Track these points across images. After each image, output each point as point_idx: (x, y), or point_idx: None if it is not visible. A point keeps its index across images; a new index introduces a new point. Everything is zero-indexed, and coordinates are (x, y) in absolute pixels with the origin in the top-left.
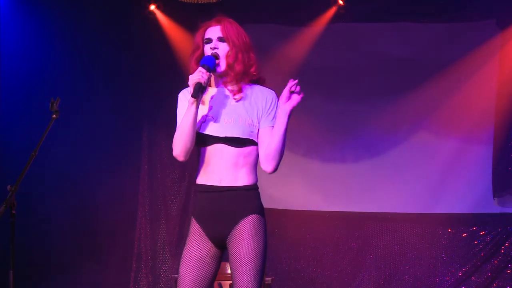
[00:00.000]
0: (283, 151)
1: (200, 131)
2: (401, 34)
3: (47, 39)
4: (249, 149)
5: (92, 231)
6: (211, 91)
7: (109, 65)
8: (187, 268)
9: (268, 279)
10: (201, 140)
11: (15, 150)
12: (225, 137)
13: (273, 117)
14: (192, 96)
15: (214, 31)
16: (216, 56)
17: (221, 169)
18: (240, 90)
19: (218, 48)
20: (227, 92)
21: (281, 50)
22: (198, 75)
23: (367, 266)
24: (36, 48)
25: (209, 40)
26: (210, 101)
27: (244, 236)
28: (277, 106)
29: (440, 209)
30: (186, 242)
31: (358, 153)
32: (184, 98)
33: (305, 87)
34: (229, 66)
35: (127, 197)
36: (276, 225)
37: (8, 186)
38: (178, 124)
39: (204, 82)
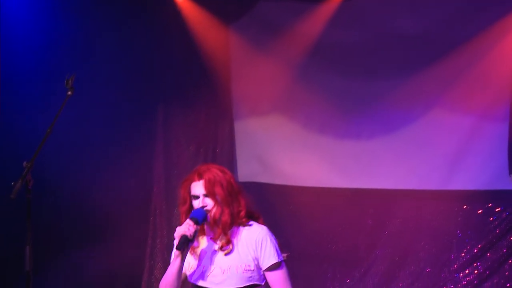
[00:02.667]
0: None
1: (199, 284)
2: (418, 10)
3: (61, 13)
4: None
5: (108, 208)
6: (203, 243)
7: (124, 42)
8: None
9: (283, 255)
10: None
11: (31, 127)
12: None
13: (266, 259)
14: (177, 248)
15: (198, 187)
16: (208, 211)
17: None
18: (228, 242)
19: (207, 205)
20: (217, 247)
21: (297, 27)
22: (184, 228)
23: (382, 243)
24: (50, 22)
25: (196, 197)
26: (202, 253)
27: None
28: (269, 243)
29: (456, 185)
30: None
31: (373, 130)
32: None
33: (320, 64)
34: (214, 221)
35: (143, 174)
36: (290, 202)
37: (24, 163)
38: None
39: (190, 235)
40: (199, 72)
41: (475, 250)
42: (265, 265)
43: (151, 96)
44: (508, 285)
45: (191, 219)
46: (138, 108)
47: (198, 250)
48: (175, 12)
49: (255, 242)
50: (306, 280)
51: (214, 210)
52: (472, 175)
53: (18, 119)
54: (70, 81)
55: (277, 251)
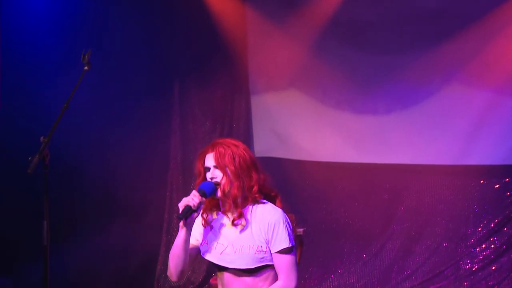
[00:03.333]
0: None
1: (211, 260)
2: None
3: None
4: (265, 274)
5: (125, 183)
6: (217, 218)
7: (141, 17)
8: None
9: (299, 230)
10: (215, 266)
11: (48, 102)
12: (234, 268)
13: (277, 243)
14: (178, 217)
15: (209, 159)
16: (217, 184)
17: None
18: (240, 216)
19: (216, 177)
20: (227, 220)
21: (313, 2)
22: (189, 198)
23: (398, 217)
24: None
25: (208, 169)
26: (215, 229)
27: None
28: (282, 227)
29: (473, 160)
30: None
31: (389, 104)
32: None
33: (337, 39)
34: (224, 193)
35: (159, 149)
36: (307, 177)
37: (41, 138)
38: None
39: (194, 206)
40: (216, 47)
41: (492, 225)
42: (275, 248)
43: (167, 72)
44: None
45: (198, 190)
46: (155, 84)
47: (212, 225)
48: None
49: (267, 225)
50: (323, 255)
51: (223, 183)
52: (489, 150)
53: (36, 95)
54: (86, 57)
55: (289, 235)
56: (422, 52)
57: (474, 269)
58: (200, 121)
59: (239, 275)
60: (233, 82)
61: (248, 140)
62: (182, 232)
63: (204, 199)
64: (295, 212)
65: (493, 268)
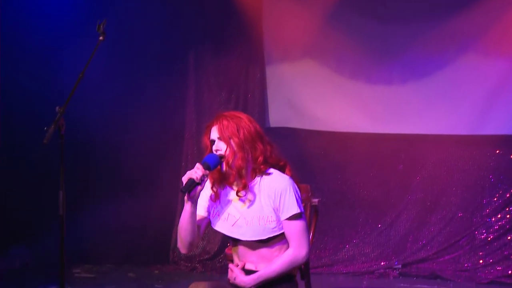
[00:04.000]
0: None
1: (223, 232)
2: None
3: None
4: (280, 244)
5: (140, 153)
6: (227, 191)
7: None
8: None
9: (314, 201)
10: (229, 238)
11: (63, 72)
12: (246, 240)
13: (286, 210)
14: (181, 190)
15: (214, 132)
16: (222, 156)
17: (257, 263)
18: (244, 187)
19: (220, 149)
20: (233, 194)
21: None
22: (192, 171)
23: (413, 187)
24: None
25: (213, 141)
26: (226, 201)
27: None
28: (289, 194)
29: (488, 130)
30: None
31: (404, 74)
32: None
33: (352, 9)
34: (229, 165)
35: (174, 119)
36: (322, 148)
37: (57, 108)
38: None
39: (197, 178)
40: (231, 17)
41: (507, 195)
42: (284, 215)
43: (182, 41)
44: None
45: (202, 163)
46: (170, 54)
47: (222, 198)
48: None
49: (274, 193)
50: (338, 225)
51: (227, 154)
52: (505, 120)
53: (51, 64)
54: (101, 26)
55: (297, 201)
56: (438, 22)
57: (489, 239)
58: (215, 92)
59: (253, 247)
60: (248, 52)
61: (263, 110)
62: (187, 206)
63: (207, 172)
64: (311, 182)
65: (509, 238)
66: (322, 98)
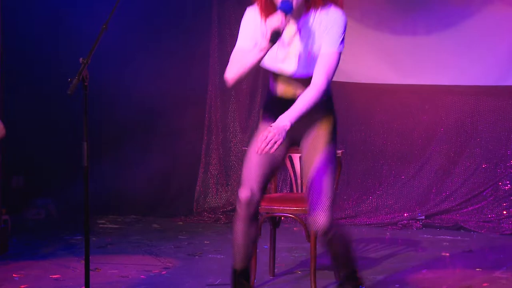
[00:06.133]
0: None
1: (270, 67)
2: None
3: None
4: None
5: (164, 105)
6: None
7: None
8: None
9: (338, 152)
10: (272, 72)
11: (87, 24)
12: (296, 77)
13: (330, 42)
14: (270, 41)
15: None
16: None
17: (297, 91)
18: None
19: None
20: (292, 28)
21: None
22: (277, 21)
23: (437, 139)
24: None
25: None
26: (282, 37)
27: (318, 141)
28: (337, 29)
29: None
30: (258, 132)
31: (429, 25)
32: (252, 19)
33: None
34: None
35: (199, 69)
36: (345, 99)
37: (80, 59)
38: (237, 44)
39: (283, 29)
40: None
41: None
42: (324, 47)
43: None
44: None
45: (281, 10)
46: (192, 5)
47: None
48: None
49: (326, 24)
50: (361, 177)
51: None
52: None
53: (74, 16)
54: None
55: (342, 40)
56: None
57: None
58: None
59: (300, 79)
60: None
61: None
62: (261, 53)
63: (289, 20)
64: None
65: None
66: (346, 49)
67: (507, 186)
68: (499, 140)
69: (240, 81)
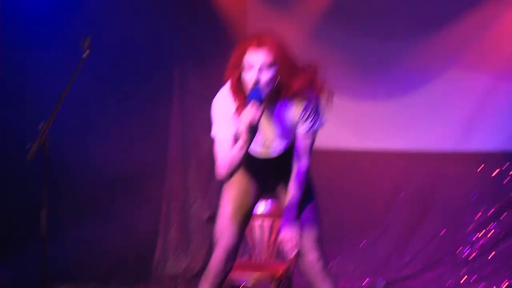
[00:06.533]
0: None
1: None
2: None
3: None
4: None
5: (124, 171)
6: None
7: (140, 8)
8: (230, 205)
9: None
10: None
11: (48, 87)
12: (276, 157)
13: (308, 128)
14: (249, 138)
15: (256, 57)
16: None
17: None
18: (295, 103)
19: (260, 81)
20: (283, 108)
21: None
22: (250, 115)
23: (397, 204)
24: None
25: (251, 67)
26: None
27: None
28: (313, 114)
29: (472, 146)
30: (229, 182)
31: (389, 90)
32: (222, 110)
33: (336, 25)
34: (286, 87)
35: (158, 138)
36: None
37: (41, 124)
38: (218, 137)
39: (258, 120)
40: (216, 35)
41: (490, 212)
42: (305, 129)
43: (168, 57)
44: None
45: (253, 100)
46: (154, 69)
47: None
48: None
49: (303, 108)
50: (324, 242)
51: (276, 78)
52: (488, 136)
53: (35, 81)
54: (86, 43)
55: (319, 120)
56: (422, 37)
57: (472, 256)
58: (201, 104)
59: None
60: None
61: None
62: (245, 147)
63: (263, 110)
64: None
65: (491, 255)
66: None
67: (466, 253)
68: (458, 207)
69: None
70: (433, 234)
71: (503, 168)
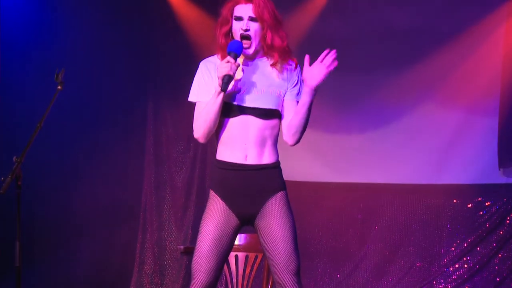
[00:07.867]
0: (307, 126)
1: (227, 100)
2: (408, 4)
3: (51, 7)
4: (275, 121)
5: (98, 202)
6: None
7: (112, 34)
8: (208, 239)
9: None
10: (226, 110)
11: (21, 122)
12: (254, 108)
13: (298, 92)
14: (222, 90)
15: (245, 10)
16: (247, 37)
17: (247, 145)
18: (275, 63)
19: (249, 29)
20: (262, 63)
21: (287, 20)
22: (227, 67)
23: (372, 237)
24: (40, 17)
25: (240, 18)
26: (242, 70)
27: (276, 213)
28: (299, 80)
29: (446, 179)
30: (207, 215)
31: (363, 124)
32: (206, 70)
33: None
34: (268, 46)
35: (133, 168)
36: None
37: (14, 158)
38: (195, 99)
39: (233, 73)
40: (190, 68)
41: (465, 245)
42: (288, 95)
43: (141, 91)
44: (497, 279)
45: (230, 54)
46: (127, 103)
47: (238, 70)
48: (169, 11)
49: (292, 72)
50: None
51: (263, 34)
52: (462, 169)
53: (8, 114)
54: (60, 76)
55: (300, 92)
56: (395, 72)
57: None
58: (174, 141)
59: (254, 117)
60: None
61: None
62: (219, 99)
63: (239, 63)
64: None
65: (466, 287)
66: (280, 147)
67: (441, 285)
68: (433, 239)
69: (209, 135)
70: (408, 266)
71: (477, 200)
